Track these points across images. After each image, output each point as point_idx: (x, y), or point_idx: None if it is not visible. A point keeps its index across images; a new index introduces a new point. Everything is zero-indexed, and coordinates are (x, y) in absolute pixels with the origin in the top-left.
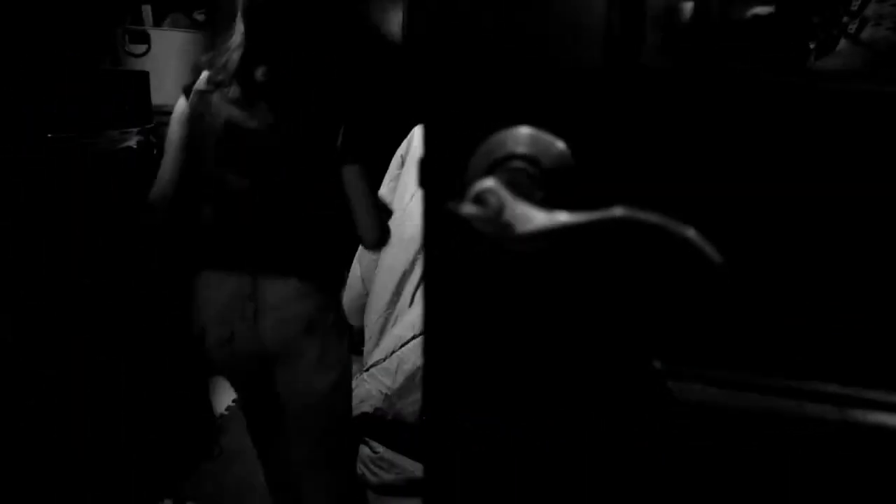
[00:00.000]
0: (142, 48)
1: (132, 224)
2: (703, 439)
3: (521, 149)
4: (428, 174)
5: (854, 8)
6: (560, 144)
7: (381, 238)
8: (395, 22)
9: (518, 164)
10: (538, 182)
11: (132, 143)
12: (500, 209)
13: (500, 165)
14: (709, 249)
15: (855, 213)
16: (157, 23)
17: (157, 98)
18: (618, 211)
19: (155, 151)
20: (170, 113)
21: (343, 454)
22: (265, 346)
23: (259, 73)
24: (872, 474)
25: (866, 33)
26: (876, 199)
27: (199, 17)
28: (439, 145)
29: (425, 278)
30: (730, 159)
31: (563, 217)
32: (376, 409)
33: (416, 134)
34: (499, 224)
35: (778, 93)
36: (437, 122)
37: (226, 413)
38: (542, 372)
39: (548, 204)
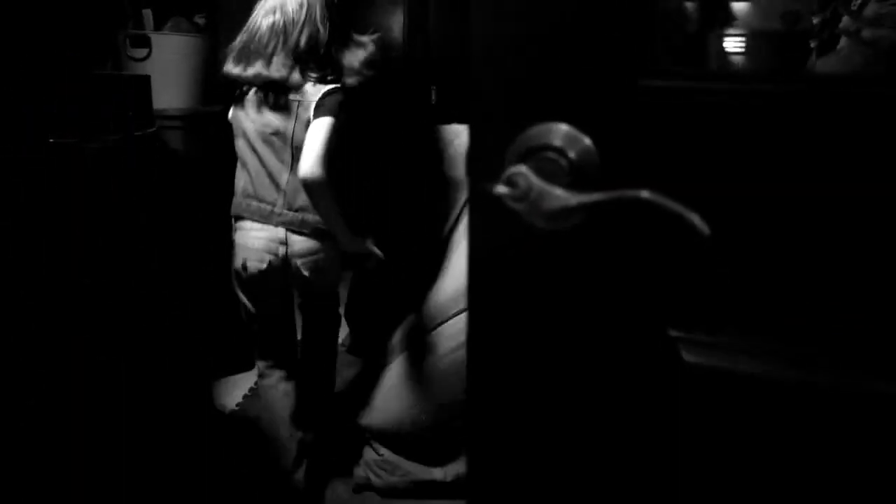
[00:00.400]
0: (143, 52)
1: (133, 226)
2: (710, 400)
3: (551, 141)
4: (472, 162)
5: (854, 7)
6: (587, 140)
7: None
8: (396, 25)
9: (549, 154)
10: (565, 171)
11: (134, 147)
12: (528, 190)
13: (532, 155)
14: (697, 222)
15: (839, 203)
16: (158, 27)
17: (159, 102)
18: (629, 193)
19: (157, 156)
20: (171, 116)
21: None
22: (289, 273)
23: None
24: (868, 437)
25: (866, 32)
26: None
27: (200, 20)
28: (481, 137)
29: (469, 253)
30: (721, 156)
31: (581, 197)
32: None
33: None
34: (527, 203)
35: (763, 101)
36: (480, 118)
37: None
38: (564, 333)
39: (571, 189)
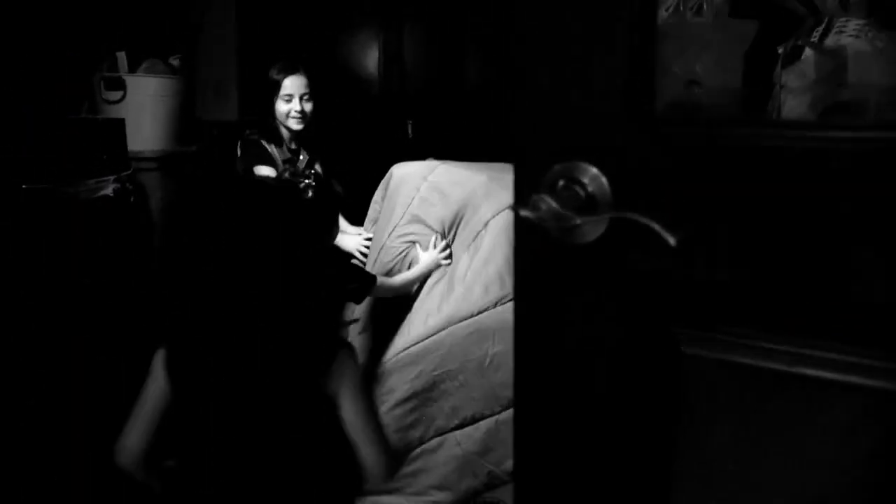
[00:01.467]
0: (118, 94)
1: (111, 272)
2: (705, 385)
3: (573, 175)
4: (515, 192)
5: (815, 38)
6: (600, 175)
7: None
8: (371, 60)
9: (571, 185)
10: (582, 199)
11: (108, 191)
12: (548, 213)
13: (558, 185)
14: (665, 234)
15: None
16: (133, 69)
17: (135, 144)
18: (619, 214)
19: (132, 199)
20: (148, 158)
21: None
22: None
23: None
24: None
25: (830, 41)
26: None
27: (175, 62)
28: (520, 174)
29: (515, 260)
30: (700, 183)
31: (584, 218)
32: None
33: (395, 174)
34: (549, 222)
35: (738, 145)
36: (519, 160)
37: None
38: (585, 326)
39: (586, 212)
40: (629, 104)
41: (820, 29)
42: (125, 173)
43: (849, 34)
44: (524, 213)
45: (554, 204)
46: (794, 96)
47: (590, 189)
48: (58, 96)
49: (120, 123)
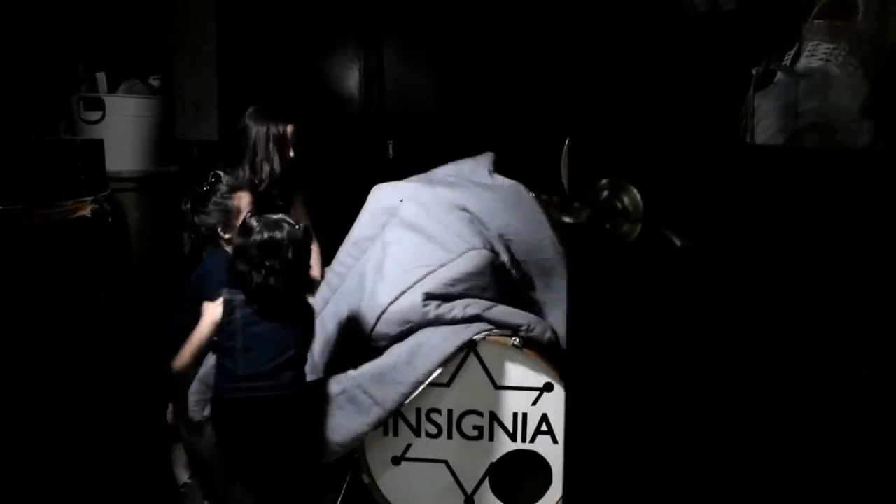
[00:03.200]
0: (97, 115)
1: (87, 295)
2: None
3: (611, 190)
4: (563, 201)
5: (786, 63)
6: (635, 190)
7: None
8: (352, 80)
9: (609, 198)
10: (618, 209)
11: (86, 212)
12: (585, 219)
13: (599, 197)
14: (674, 239)
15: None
16: (112, 89)
17: (114, 164)
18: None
19: (109, 219)
20: (127, 178)
21: None
22: None
23: None
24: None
25: (802, 64)
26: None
27: (155, 82)
28: (572, 189)
29: (569, 257)
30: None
31: (614, 224)
32: None
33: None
34: (588, 227)
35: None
36: (573, 178)
37: (188, 482)
38: (619, 306)
39: (621, 220)
40: (658, 140)
41: (791, 53)
42: (103, 194)
43: (819, 58)
44: (566, 218)
45: (589, 213)
46: (767, 119)
47: (626, 202)
48: (35, 117)
49: (98, 144)
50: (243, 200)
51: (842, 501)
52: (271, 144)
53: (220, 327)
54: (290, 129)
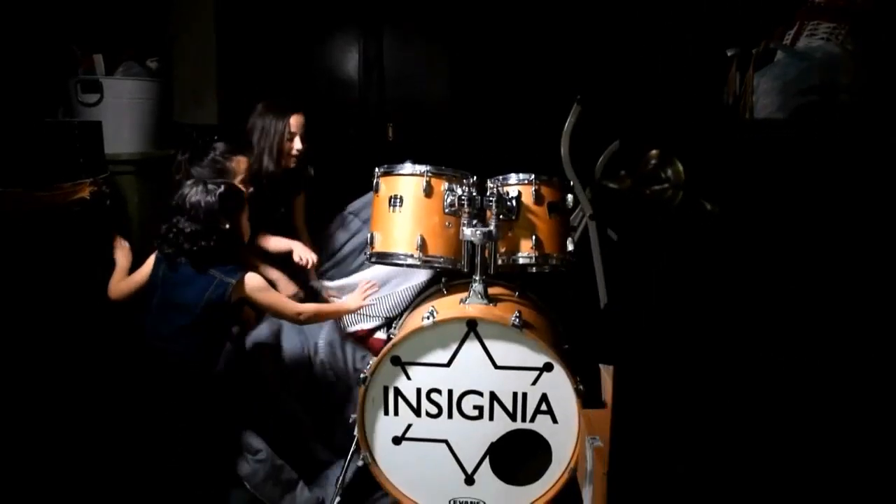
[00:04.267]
0: (94, 97)
1: (85, 276)
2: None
3: (658, 160)
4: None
5: (787, 41)
6: (679, 163)
7: None
8: (351, 64)
9: (656, 168)
10: (661, 178)
11: (85, 194)
12: (629, 185)
13: (646, 167)
14: (708, 204)
15: None
16: (110, 71)
17: (112, 147)
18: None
19: (108, 202)
20: (125, 161)
21: None
22: None
23: None
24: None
25: (802, 43)
26: None
27: (153, 64)
28: (623, 159)
29: (622, 220)
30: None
31: (652, 190)
32: None
33: None
34: (629, 191)
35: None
36: (624, 150)
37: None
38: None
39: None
40: (699, 118)
41: (792, 32)
42: (102, 176)
43: (819, 37)
44: (612, 184)
45: (631, 180)
46: (766, 97)
47: (668, 172)
48: (33, 99)
49: (97, 126)
50: (241, 166)
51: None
52: (279, 140)
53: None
54: (298, 123)
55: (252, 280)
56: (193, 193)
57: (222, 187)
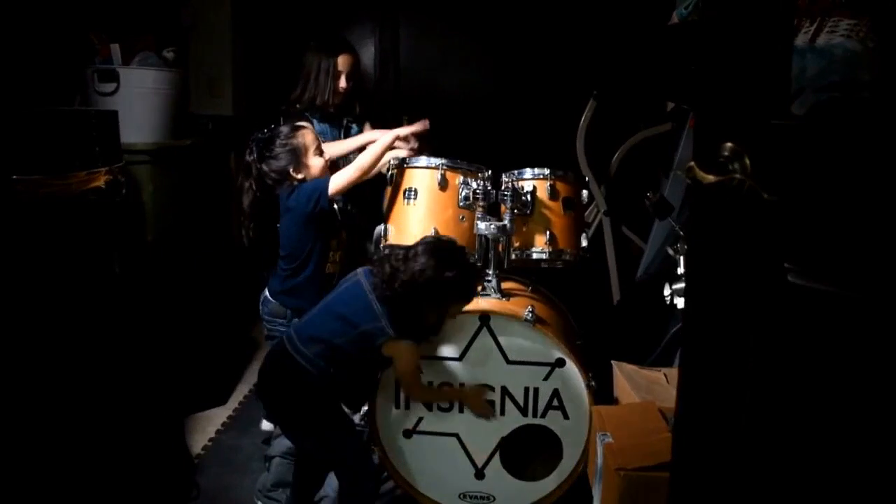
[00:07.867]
0: (111, 87)
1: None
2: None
3: (728, 153)
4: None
5: (807, 32)
6: (746, 157)
7: None
8: (367, 57)
9: (728, 158)
10: (728, 168)
11: (101, 183)
12: (696, 173)
13: (719, 157)
14: (765, 195)
15: None
16: (127, 61)
17: (127, 136)
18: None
19: (123, 191)
20: (140, 151)
21: None
22: None
23: None
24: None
25: (821, 40)
26: None
27: (169, 55)
28: (698, 148)
29: (693, 200)
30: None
31: (719, 178)
32: None
33: None
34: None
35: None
36: (699, 141)
37: (202, 453)
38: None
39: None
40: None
41: (812, 28)
42: (117, 165)
43: (840, 33)
44: (678, 174)
45: (702, 169)
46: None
47: (735, 164)
48: (50, 88)
49: (113, 115)
50: (308, 137)
51: None
52: (325, 77)
53: None
54: (345, 63)
55: (407, 350)
56: (428, 267)
57: (457, 272)
